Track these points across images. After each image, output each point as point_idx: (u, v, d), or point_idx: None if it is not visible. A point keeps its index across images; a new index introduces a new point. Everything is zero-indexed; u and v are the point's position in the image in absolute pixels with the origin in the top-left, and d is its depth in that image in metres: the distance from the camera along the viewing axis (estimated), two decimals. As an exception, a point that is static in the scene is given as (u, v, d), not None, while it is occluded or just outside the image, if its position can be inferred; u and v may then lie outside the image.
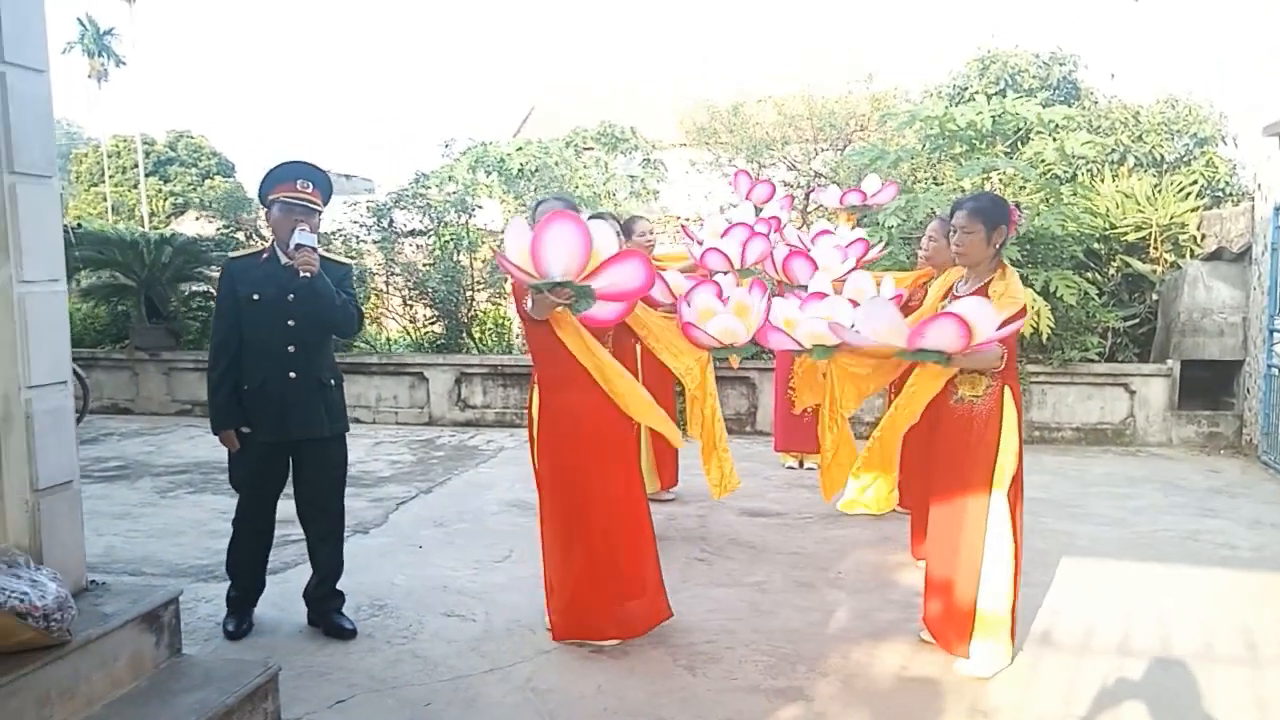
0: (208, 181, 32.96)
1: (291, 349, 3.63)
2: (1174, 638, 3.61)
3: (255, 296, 3.61)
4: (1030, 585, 3.95)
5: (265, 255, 3.70)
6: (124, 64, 42.42)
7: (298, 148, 54.89)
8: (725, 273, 4.69)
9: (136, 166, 33.19)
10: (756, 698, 3.20)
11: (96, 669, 2.66)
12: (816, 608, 4.04)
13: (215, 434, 3.72)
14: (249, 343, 3.63)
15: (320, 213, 3.70)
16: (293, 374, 3.64)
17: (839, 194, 6.14)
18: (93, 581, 3.02)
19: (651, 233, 5.55)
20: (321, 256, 3.61)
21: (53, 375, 2.86)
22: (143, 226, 18.65)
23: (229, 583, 3.84)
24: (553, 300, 3.19)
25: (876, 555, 4.73)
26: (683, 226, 5.94)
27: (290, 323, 3.62)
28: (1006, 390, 3.28)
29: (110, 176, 34.01)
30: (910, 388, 3.44)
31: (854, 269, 5.05)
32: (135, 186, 32.52)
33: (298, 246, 3.48)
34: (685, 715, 3.08)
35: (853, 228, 6.20)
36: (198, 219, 12.39)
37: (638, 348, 5.37)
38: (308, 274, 3.48)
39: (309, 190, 3.61)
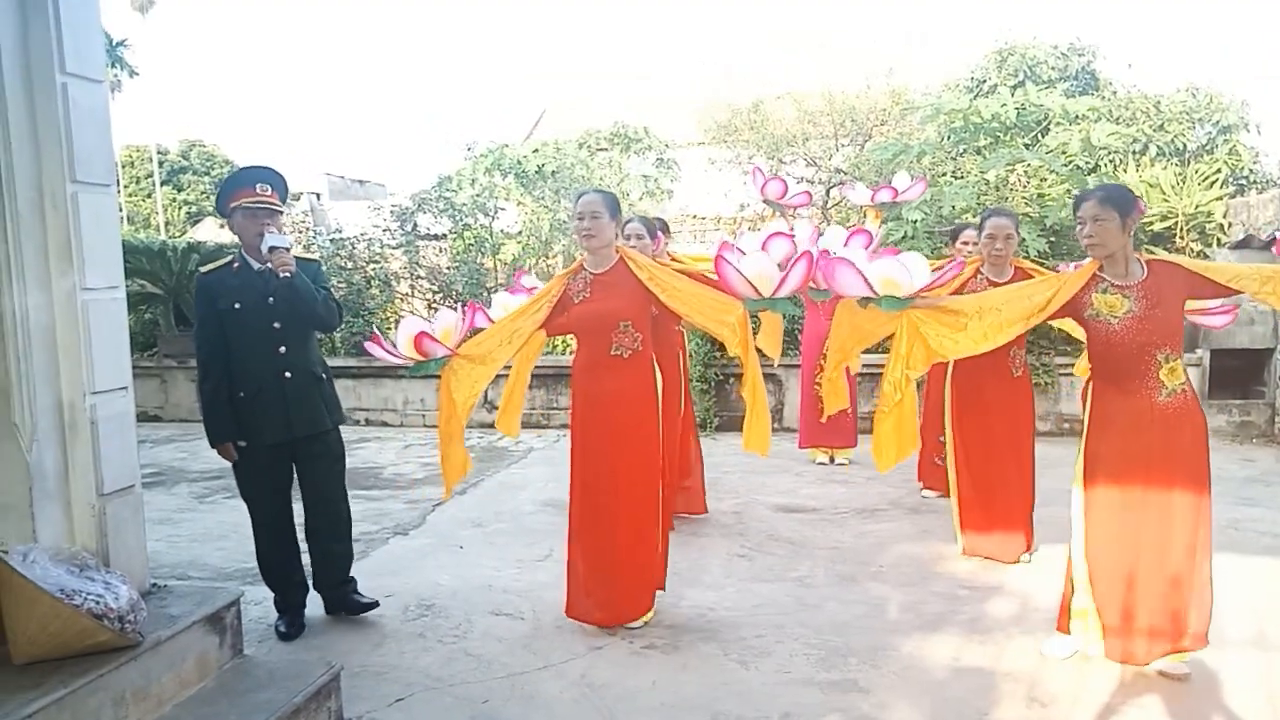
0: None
1: (282, 350, 3.69)
2: (1225, 625, 3.60)
3: (236, 306, 3.64)
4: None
5: (237, 264, 3.73)
6: (137, 75, 42.64)
7: (309, 154, 55.14)
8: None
9: (150, 176, 33.39)
10: (812, 690, 3.22)
11: (166, 670, 2.70)
12: (861, 601, 4.05)
13: (213, 447, 3.75)
14: (238, 352, 3.66)
15: (282, 212, 3.75)
16: (288, 374, 3.69)
17: (870, 192, 6.15)
18: (155, 584, 3.06)
19: (639, 236, 5.26)
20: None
21: (115, 381, 2.91)
22: (160, 235, 18.78)
23: (274, 587, 3.90)
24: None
25: (917, 548, 4.73)
26: (723, 244, 5.89)
27: (275, 325, 3.67)
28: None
29: (125, 186, 34.23)
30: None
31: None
32: (150, 196, 32.74)
33: (272, 249, 3.53)
34: (743, 709, 3.10)
35: (881, 224, 6.20)
36: (223, 226, 12.49)
37: (684, 335, 5.43)
38: (287, 274, 3.54)
39: (268, 193, 3.66)
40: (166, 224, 27.68)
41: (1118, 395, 3.15)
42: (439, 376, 3.69)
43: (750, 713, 3.07)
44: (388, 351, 3.62)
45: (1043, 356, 7.55)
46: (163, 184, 33.64)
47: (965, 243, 5.33)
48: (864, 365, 5.92)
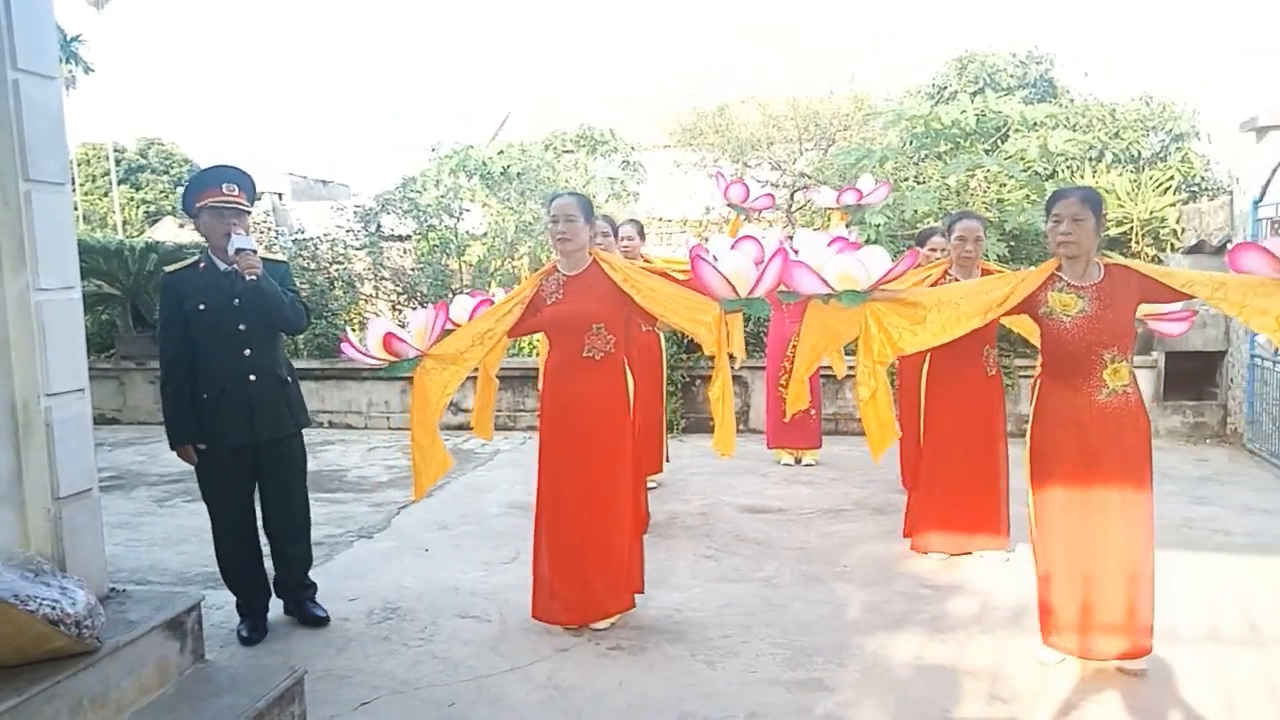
0: (180, 189, 32.61)
1: (247, 352, 3.65)
2: (1180, 622, 3.68)
3: (201, 307, 3.61)
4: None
5: (203, 265, 3.69)
6: (92, 71, 41.83)
7: (271, 154, 54.42)
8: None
9: (107, 175, 32.74)
10: (778, 689, 3.24)
11: (125, 675, 2.64)
12: (827, 600, 4.08)
13: (173, 448, 3.71)
14: (202, 353, 3.63)
15: (249, 213, 3.71)
16: (253, 376, 3.66)
17: (835, 194, 6.22)
18: (113, 589, 3.00)
19: (630, 238, 5.53)
20: (260, 257, 3.65)
21: (71, 383, 2.85)
22: (118, 235, 18.42)
23: (237, 591, 3.85)
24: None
25: (881, 548, 4.78)
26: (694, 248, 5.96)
27: (241, 327, 3.64)
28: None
29: (80, 185, 33.53)
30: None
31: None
32: (106, 194, 32.10)
33: (238, 250, 3.50)
34: (710, 709, 3.11)
35: (847, 226, 6.27)
36: (182, 226, 12.29)
37: (662, 338, 5.49)
38: (253, 277, 3.50)
39: (235, 193, 3.62)
40: (124, 223, 27.17)
41: (1062, 390, 3.24)
42: (411, 378, 3.66)
43: (717, 713, 3.08)
44: (360, 352, 3.58)
45: (1003, 358, 7.66)
46: (120, 182, 33.00)
47: (934, 249, 5.39)
48: (823, 368, 5.96)
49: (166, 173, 34.76)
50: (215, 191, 3.59)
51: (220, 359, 3.62)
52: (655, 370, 5.69)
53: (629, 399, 3.75)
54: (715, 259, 3.41)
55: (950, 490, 4.50)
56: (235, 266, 3.53)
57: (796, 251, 3.59)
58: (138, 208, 30.80)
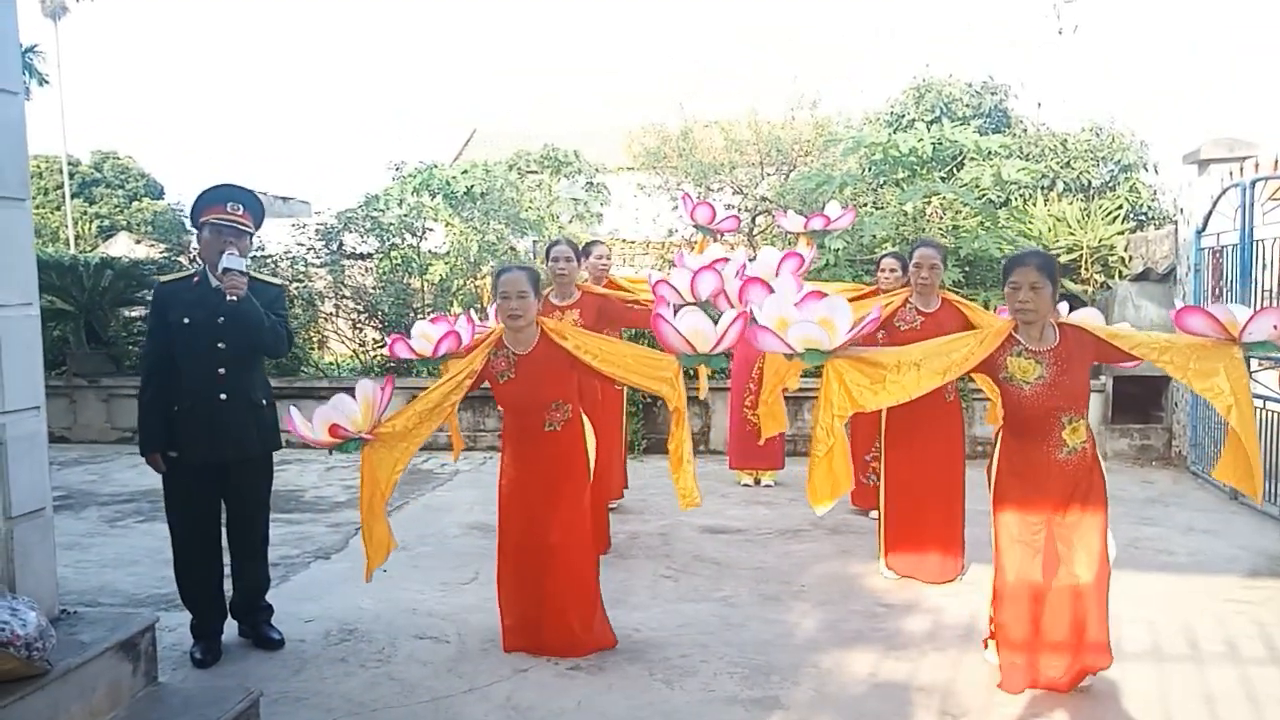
0: (135, 203, 32.08)
1: (222, 371, 3.66)
2: (1124, 639, 3.78)
3: (186, 320, 3.63)
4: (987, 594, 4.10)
5: (196, 279, 3.73)
6: (47, 82, 41.12)
7: (230, 170, 53.82)
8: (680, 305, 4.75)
9: (60, 188, 32.14)
10: (735, 708, 3.28)
11: (76, 699, 2.62)
12: (784, 619, 4.13)
13: (143, 455, 3.74)
14: (181, 365, 3.64)
15: (251, 235, 3.75)
16: (224, 395, 3.66)
17: (803, 219, 6.34)
18: (65, 610, 2.97)
19: (607, 257, 5.69)
20: (253, 278, 3.70)
21: (27, 400, 2.83)
22: (71, 249, 18.10)
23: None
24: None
25: (837, 567, 4.85)
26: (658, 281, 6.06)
27: (220, 345, 3.65)
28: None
29: (32, 198, 32.87)
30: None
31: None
32: (59, 208, 31.49)
33: (225, 270, 3.52)
34: (667, 727, 3.14)
35: (812, 249, 6.38)
36: (139, 242, 12.11)
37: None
38: (234, 298, 3.52)
39: (239, 213, 3.66)
40: (77, 238, 26.63)
41: (1023, 447, 3.31)
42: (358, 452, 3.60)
43: (674, 731, 3.12)
44: (303, 438, 3.54)
45: (960, 382, 7.82)
46: (73, 196, 32.39)
47: (884, 270, 5.51)
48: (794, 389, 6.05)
49: (122, 187, 34.21)
50: (219, 209, 3.63)
51: (195, 374, 3.63)
52: (615, 395, 5.73)
53: (589, 459, 3.79)
54: (677, 315, 3.47)
55: (913, 517, 4.58)
56: (221, 284, 3.55)
57: (758, 282, 3.65)
58: (91, 222, 30.25)
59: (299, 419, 3.48)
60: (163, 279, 3.80)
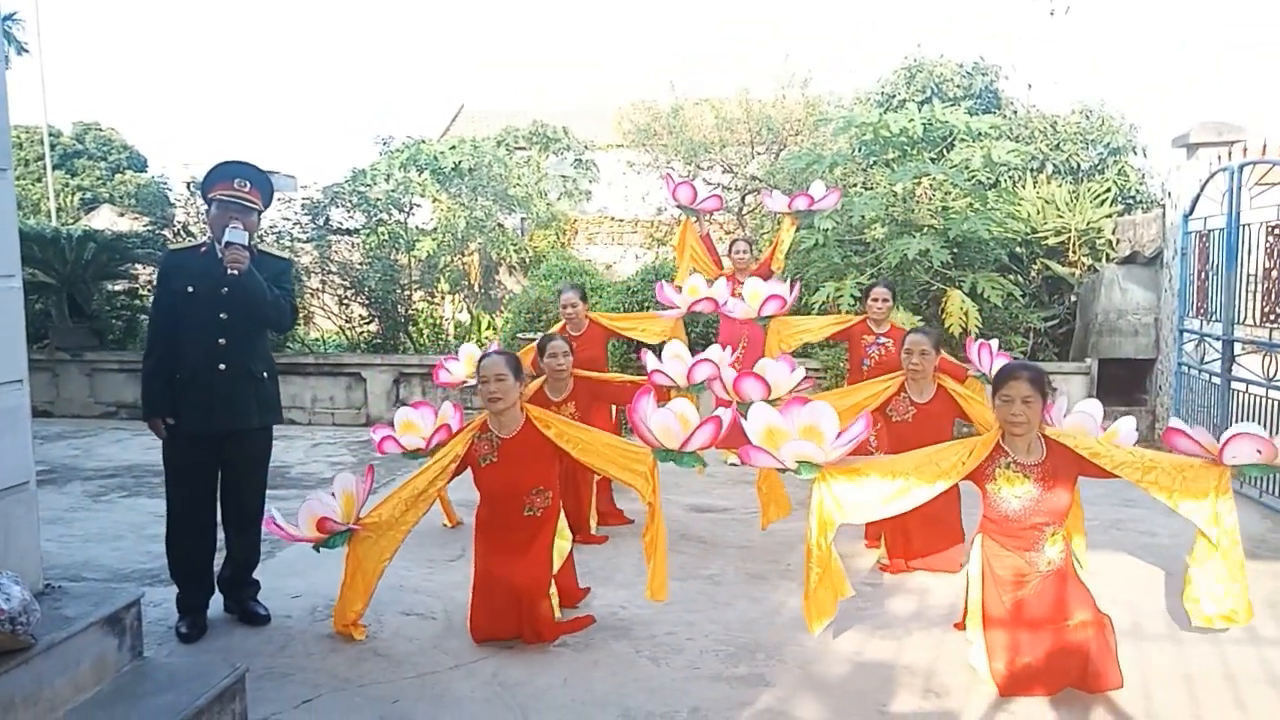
0: (118, 176, 31.71)
1: (222, 341, 3.68)
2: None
3: (190, 289, 3.67)
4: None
5: (204, 249, 3.76)
6: (26, 51, 40.42)
7: (214, 142, 53.19)
8: (673, 387, 4.74)
9: (41, 159, 31.67)
10: (720, 686, 3.30)
11: (60, 673, 2.60)
12: (770, 598, 4.16)
13: (145, 419, 3.78)
14: (183, 334, 3.68)
15: (259, 211, 3.80)
16: (223, 366, 3.68)
17: (787, 199, 6.33)
18: (49, 585, 2.95)
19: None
20: (261, 251, 3.79)
21: (10, 373, 2.79)
22: (52, 222, 17.88)
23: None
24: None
25: (823, 547, 4.87)
26: (659, 285, 6.11)
27: (222, 315, 3.67)
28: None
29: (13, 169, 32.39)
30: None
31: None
32: (40, 180, 31.06)
33: (228, 244, 3.56)
34: (652, 705, 3.16)
35: (797, 230, 6.38)
36: (122, 215, 11.98)
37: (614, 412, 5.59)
38: (235, 271, 3.55)
39: (246, 189, 3.70)
40: (58, 210, 26.29)
41: (1005, 553, 3.29)
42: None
43: (660, 708, 3.13)
44: (287, 536, 3.58)
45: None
46: (55, 168, 31.94)
47: (875, 300, 5.60)
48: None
49: (104, 159, 33.78)
50: (226, 185, 3.68)
51: (195, 343, 3.66)
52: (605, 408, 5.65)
53: (553, 548, 3.76)
54: (646, 416, 3.55)
55: (909, 518, 4.55)
56: (224, 257, 3.57)
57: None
58: (73, 194, 29.85)
59: (280, 520, 3.53)
60: (173, 248, 3.83)
